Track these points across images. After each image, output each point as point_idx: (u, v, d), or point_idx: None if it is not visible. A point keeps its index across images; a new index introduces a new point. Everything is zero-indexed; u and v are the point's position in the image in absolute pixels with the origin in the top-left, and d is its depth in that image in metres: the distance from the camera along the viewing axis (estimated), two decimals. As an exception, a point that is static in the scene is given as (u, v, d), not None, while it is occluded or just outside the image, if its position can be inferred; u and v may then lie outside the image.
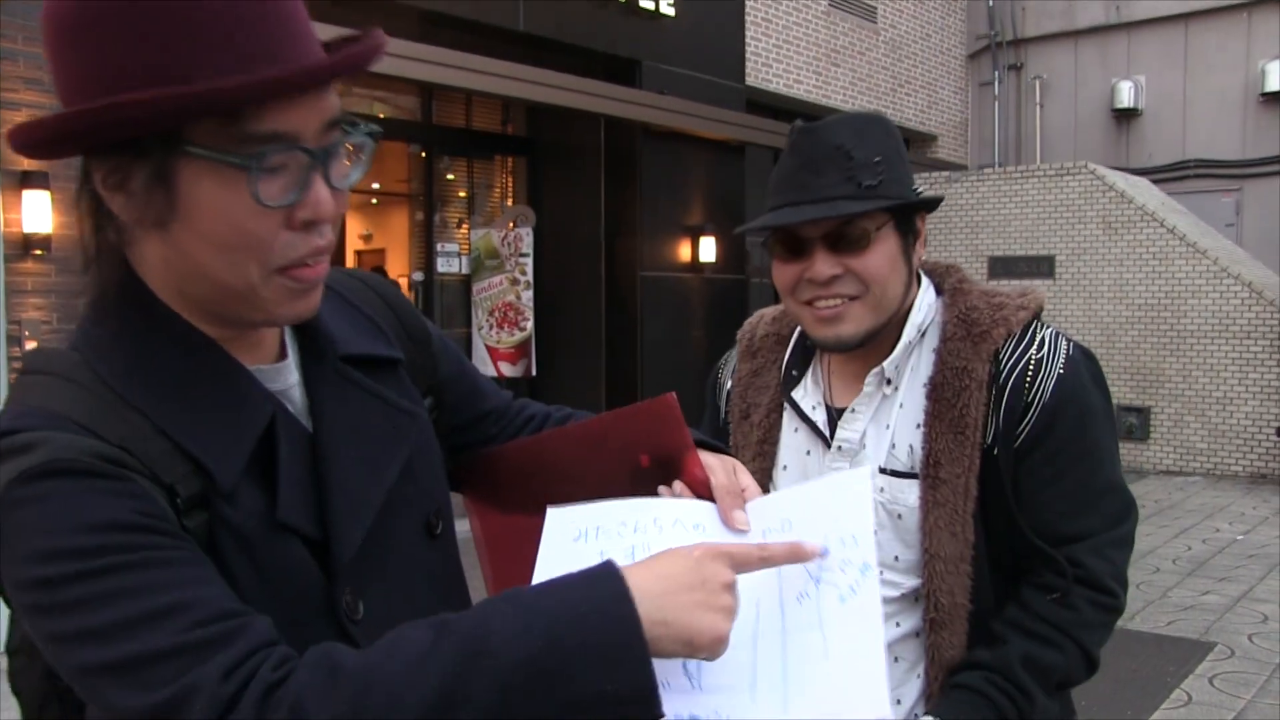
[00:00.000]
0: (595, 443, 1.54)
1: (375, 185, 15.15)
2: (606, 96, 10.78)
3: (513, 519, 1.59)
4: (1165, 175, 17.12)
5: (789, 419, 2.05)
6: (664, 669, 1.17)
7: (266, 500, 1.14)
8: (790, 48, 14.53)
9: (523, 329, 11.30)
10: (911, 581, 1.85)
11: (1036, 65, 18.81)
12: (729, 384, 2.21)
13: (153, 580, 1.00)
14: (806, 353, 2.06)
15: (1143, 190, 13.85)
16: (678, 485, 1.43)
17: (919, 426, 1.86)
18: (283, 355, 1.26)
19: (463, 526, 1.41)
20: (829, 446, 1.94)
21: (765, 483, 2.01)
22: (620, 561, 1.20)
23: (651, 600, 1.07)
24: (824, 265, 1.82)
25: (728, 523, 1.36)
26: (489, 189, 12.42)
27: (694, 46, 12.13)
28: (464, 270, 11.76)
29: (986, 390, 1.80)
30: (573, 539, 1.34)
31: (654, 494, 1.43)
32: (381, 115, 10.99)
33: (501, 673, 0.99)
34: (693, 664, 1.22)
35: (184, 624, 0.98)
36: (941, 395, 1.84)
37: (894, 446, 1.89)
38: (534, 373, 11.44)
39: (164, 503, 1.05)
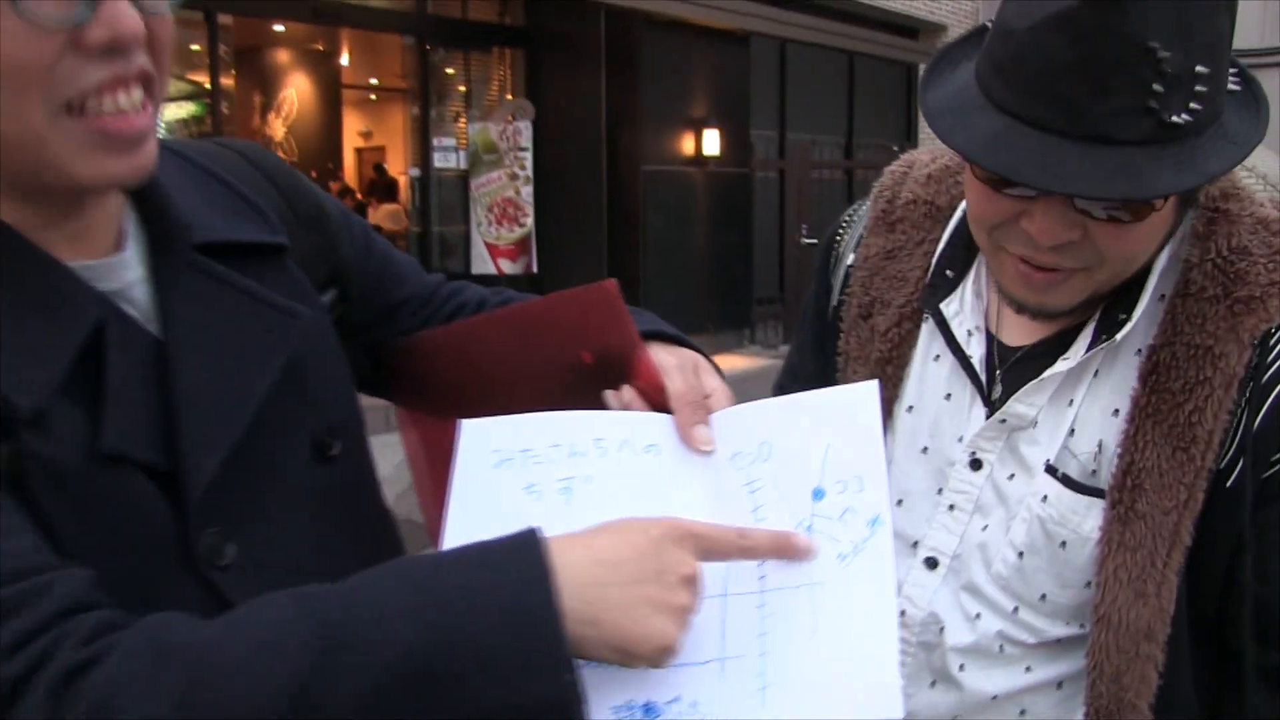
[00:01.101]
0: (529, 333, 1.28)
1: (373, 80, 14.91)
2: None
3: (440, 428, 1.34)
4: None
5: (929, 338, 1.40)
6: None
7: (91, 426, 0.91)
8: (796, -67, 14.11)
9: (522, 225, 11.14)
10: (1060, 630, 1.30)
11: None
12: (850, 258, 1.52)
13: None
14: (971, 247, 1.36)
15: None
16: (627, 392, 1.16)
17: (1118, 414, 1.26)
18: (120, 247, 1.02)
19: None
20: (984, 399, 1.33)
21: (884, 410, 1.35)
22: (553, 502, 1.03)
23: (581, 592, 0.87)
24: (1056, 226, 1.15)
25: (687, 441, 1.10)
26: (486, 83, 12.16)
27: (696, -69, 11.78)
28: (462, 165, 11.56)
29: (1239, 391, 1.19)
30: (493, 465, 1.08)
31: (598, 400, 1.17)
32: (376, 6, 10.71)
33: (371, 670, 0.80)
34: None
35: None
36: (1164, 380, 1.22)
37: (1073, 434, 1.28)
38: (535, 269, 11.30)
39: None
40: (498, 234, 11.20)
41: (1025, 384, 1.28)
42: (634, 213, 11.59)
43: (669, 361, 1.16)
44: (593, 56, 11.53)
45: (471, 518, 1.04)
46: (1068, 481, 1.27)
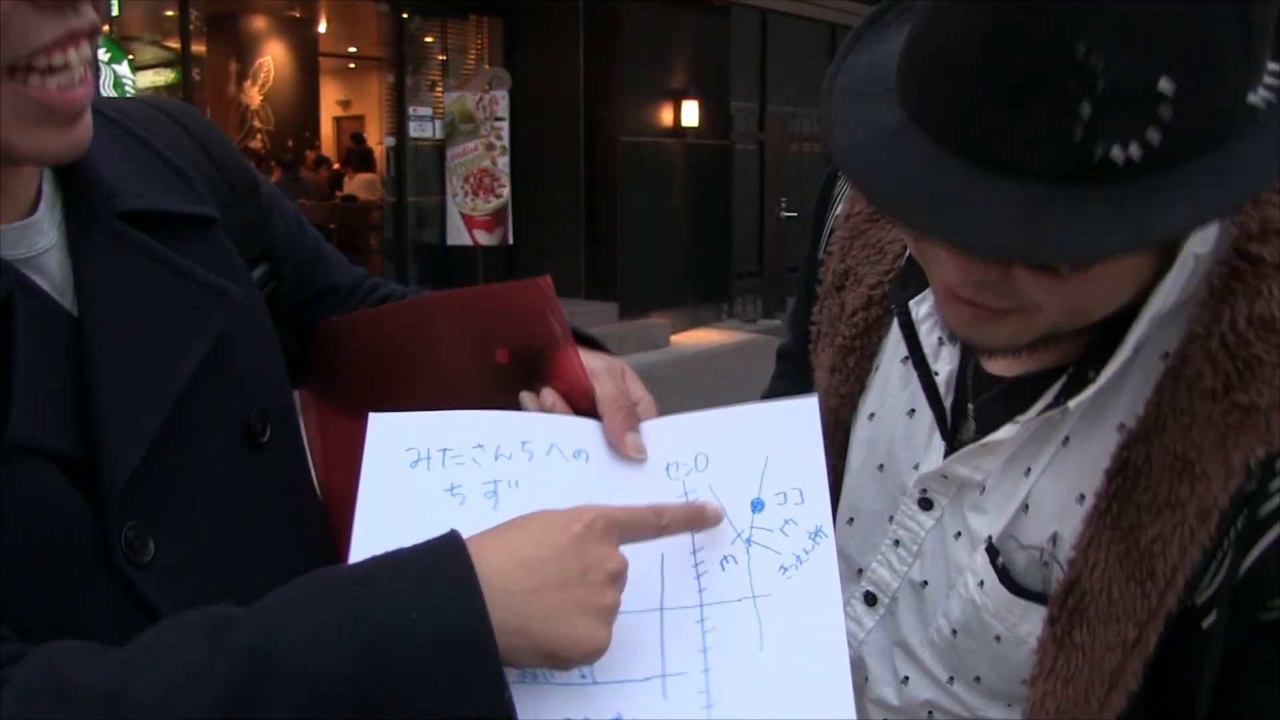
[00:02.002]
0: (444, 324, 1.21)
1: (351, 49, 14.79)
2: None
3: (346, 416, 1.29)
4: None
5: (899, 338, 1.15)
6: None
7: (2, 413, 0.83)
8: (779, -97, 14.00)
9: (499, 196, 11.04)
10: (998, 713, 1.09)
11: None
12: (839, 210, 1.29)
13: None
14: None
15: None
16: (548, 395, 1.08)
17: (1082, 502, 0.99)
18: (33, 211, 0.93)
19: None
20: (943, 431, 1.11)
21: (838, 423, 1.22)
22: (478, 507, 0.96)
23: (506, 601, 0.82)
24: (963, 262, 0.89)
25: (618, 447, 1.04)
26: (464, 52, 12.07)
27: (676, -100, 11.69)
28: (438, 135, 11.47)
29: (1218, 526, 0.90)
30: (409, 464, 1.01)
31: (514, 401, 1.10)
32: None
33: (301, 700, 0.75)
34: None
35: None
36: (1131, 487, 0.95)
37: (1026, 512, 1.03)
38: (511, 241, 11.21)
39: None
40: (474, 205, 11.10)
41: (1003, 423, 1.03)
42: (612, 185, 11.53)
43: (596, 365, 1.10)
44: (571, 26, 11.45)
45: (385, 521, 0.97)
46: (1005, 577, 1.03)
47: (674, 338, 11.60)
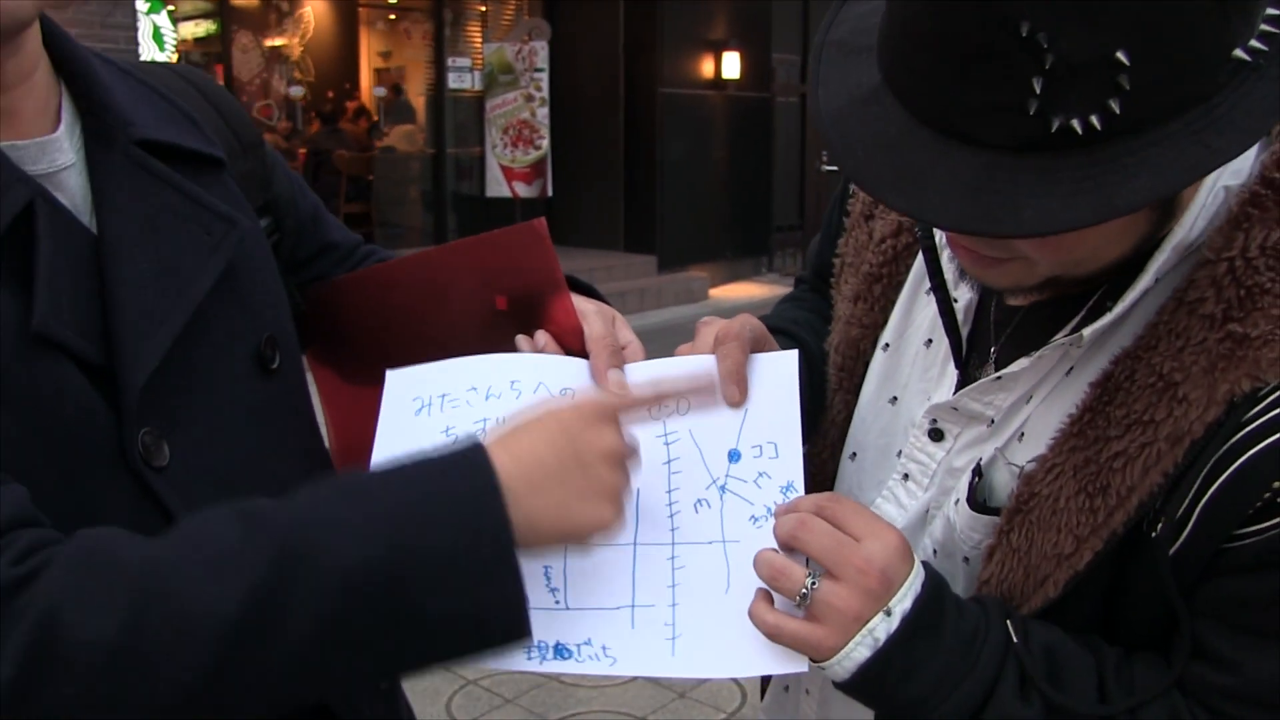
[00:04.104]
0: (446, 276, 1.26)
1: (391, 0, 14.74)
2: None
3: (353, 375, 1.35)
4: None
5: (924, 271, 1.13)
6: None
7: (19, 309, 0.86)
8: None
9: (538, 147, 11.03)
10: None
11: None
12: None
13: None
14: None
15: None
16: (541, 336, 1.14)
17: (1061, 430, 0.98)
18: (53, 131, 0.98)
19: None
20: (956, 361, 1.10)
21: (858, 354, 1.22)
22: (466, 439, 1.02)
23: (515, 502, 0.86)
24: (961, 238, 0.95)
25: (599, 382, 1.09)
26: (503, 3, 12.01)
27: None
28: (477, 86, 11.45)
29: (1186, 453, 0.88)
30: (414, 411, 1.10)
31: (511, 346, 1.16)
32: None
33: (329, 585, 0.79)
34: (558, 575, 1.02)
35: None
36: (1109, 400, 0.94)
37: (1021, 439, 1.02)
38: (550, 193, 11.21)
39: None
40: (513, 156, 11.09)
41: (1024, 353, 1.01)
42: (651, 137, 11.47)
43: (587, 308, 1.16)
44: (612, -25, 11.38)
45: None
46: (971, 494, 1.03)
47: (713, 291, 11.58)
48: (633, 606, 1.00)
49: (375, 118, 14.02)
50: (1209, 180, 0.90)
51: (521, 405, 1.04)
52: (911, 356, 1.16)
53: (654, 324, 10.12)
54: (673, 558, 1.02)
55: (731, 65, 11.89)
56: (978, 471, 1.03)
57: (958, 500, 1.05)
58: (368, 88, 15.00)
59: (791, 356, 1.08)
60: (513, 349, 1.15)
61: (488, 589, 0.83)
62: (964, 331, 1.09)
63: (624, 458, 0.94)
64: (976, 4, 0.74)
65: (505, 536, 0.84)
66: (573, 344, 1.14)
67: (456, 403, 1.10)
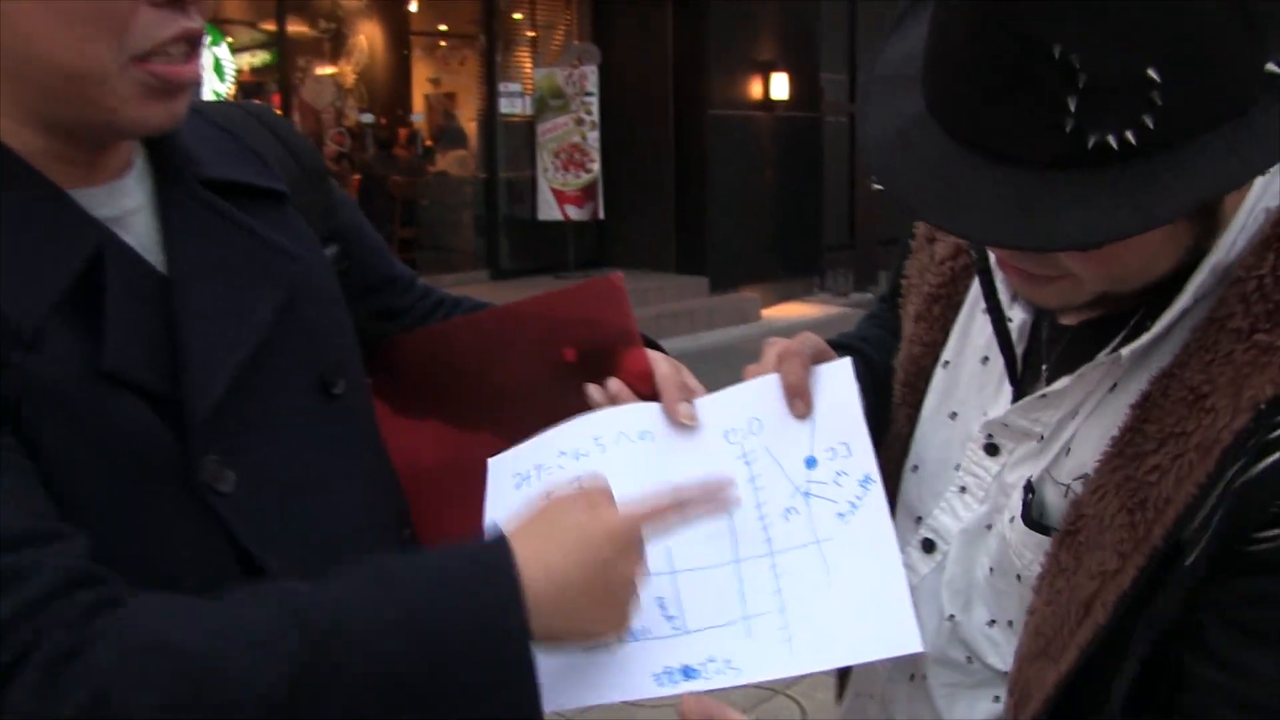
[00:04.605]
0: (513, 328, 1.32)
1: (441, 27, 14.91)
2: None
3: (408, 409, 1.39)
4: None
5: (979, 292, 1.16)
6: (639, 615, 1.03)
7: (89, 348, 0.91)
8: None
9: (589, 171, 11.10)
10: None
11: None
12: None
13: None
14: None
15: None
16: (613, 383, 1.20)
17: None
18: (123, 175, 1.03)
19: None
20: (1012, 378, 1.13)
21: (919, 371, 1.26)
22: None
23: (542, 617, 0.91)
24: (1010, 258, 0.99)
25: (672, 416, 1.16)
26: (553, 28, 12.10)
27: None
28: (528, 111, 11.55)
29: (1219, 461, 0.89)
30: (515, 486, 1.19)
31: (579, 394, 1.22)
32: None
33: (354, 681, 0.84)
34: (673, 602, 1.08)
35: None
36: (1147, 417, 0.95)
37: (1069, 454, 1.05)
38: (601, 216, 11.28)
39: None
40: (564, 180, 11.17)
41: (1073, 370, 1.03)
42: (701, 158, 11.50)
43: (656, 356, 1.22)
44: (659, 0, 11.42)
45: None
46: (1026, 512, 1.06)
47: (765, 311, 11.58)
48: (746, 618, 1.06)
49: (429, 142, 14.19)
50: (1248, 202, 0.93)
51: (609, 458, 1.14)
52: (969, 374, 1.19)
53: (707, 345, 10.13)
54: (774, 565, 1.08)
55: (780, 86, 11.91)
56: (1029, 488, 1.06)
57: (1012, 518, 1.07)
58: (420, 113, 15.18)
59: (846, 364, 1.16)
60: (577, 398, 1.21)
61: (503, 695, 0.89)
62: (1019, 350, 1.12)
63: (643, 575, 1.00)
64: (1012, 31, 0.78)
65: (524, 646, 0.89)
66: (644, 389, 1.20)
67: (550, 469, 1.17)
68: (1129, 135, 0.78)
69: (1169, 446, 0.92)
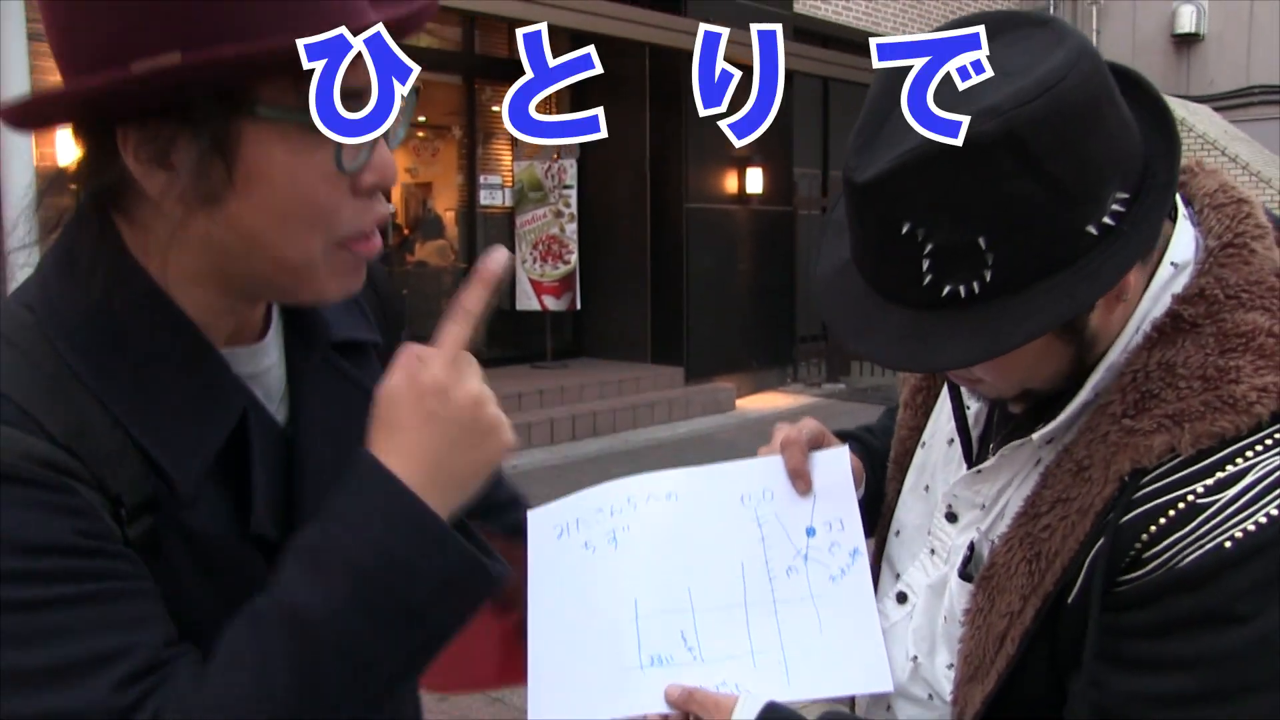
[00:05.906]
0: None
1: (421, 118, 15.09)
2: (651, 25, 10.57)
3: None
4: (1228, 103, 16.64)
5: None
6: (663, 645, 1.25)
7: (231, 507, 1.01)
8: (840, -27, 14.18)
9: (567, 262, 11.21)
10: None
11: (1096, -10, 18.26)
12: None
13: (89, 619, 0.88)
14: None
15: (1203, 118, 13.46)
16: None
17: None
18: (262, 335, 1.12)
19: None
20: (967, 459, 1.33)
21: (906, 451, 1.46)
22: (604, 550, 1.31)
23: (431, 491, 0.97)
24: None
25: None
26: (533, 121, 12.27)
27: (741, -28, 11.88)
28: (507, 203, 11.68)
29: (1093, 523, 1.09)
30: (556, 537, 1.35)
31: None
32: (424, 45, 10.86)
33: (332, 631, 0.92)
34: (692, 635, 1.26)
35: (114, 678, 0.87)
36: (1046, 484, 1.15)
37: (1001, 519, 1.22)
38: (578, 306, 11.37)
39: (107, 517, 0.92)
40: (542, 271, 11.28)
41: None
42: (677, 250, 11.66)
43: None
44: (637, 94, 11.64)
45: (546, 584, 1.33)
46: (963, 566, 1.24)
47: (739, 401, 11.66)
48: (753, 653, 1.26)
49: (406, 231, 14.30)
50: (1139, 313, 1.13)
51: (639, 514, 1.34)
52: (939, 453, 1.39)
53: (683, 434, 10.18)
54: (776, 612, 1.28)
55: (755, 180, 12.12)
56: (970, 547, 1.25)
57: (957, 573, 1.27)
58: (398, 203, 15.30)
59: (842, 452, 1.35)
60: None
61: (438, 560, 0.95)
62: (975, 433, 1.34)
63: (488, 394, 1.02)
64: (875, 213, 1.05)
65: (432, 521, 0.95)
66: None
67: (589, 523, 1.35)
68: (974, 286, 1.02)
69: (1058, 509, 1.12)
